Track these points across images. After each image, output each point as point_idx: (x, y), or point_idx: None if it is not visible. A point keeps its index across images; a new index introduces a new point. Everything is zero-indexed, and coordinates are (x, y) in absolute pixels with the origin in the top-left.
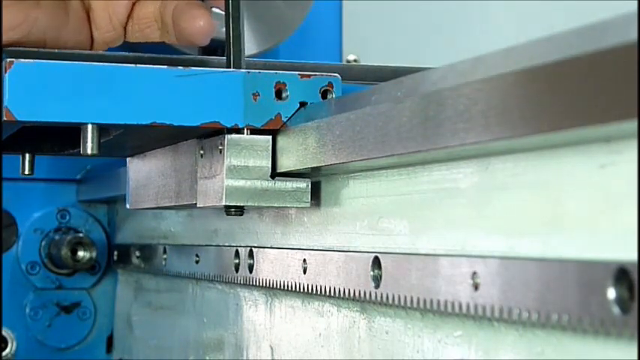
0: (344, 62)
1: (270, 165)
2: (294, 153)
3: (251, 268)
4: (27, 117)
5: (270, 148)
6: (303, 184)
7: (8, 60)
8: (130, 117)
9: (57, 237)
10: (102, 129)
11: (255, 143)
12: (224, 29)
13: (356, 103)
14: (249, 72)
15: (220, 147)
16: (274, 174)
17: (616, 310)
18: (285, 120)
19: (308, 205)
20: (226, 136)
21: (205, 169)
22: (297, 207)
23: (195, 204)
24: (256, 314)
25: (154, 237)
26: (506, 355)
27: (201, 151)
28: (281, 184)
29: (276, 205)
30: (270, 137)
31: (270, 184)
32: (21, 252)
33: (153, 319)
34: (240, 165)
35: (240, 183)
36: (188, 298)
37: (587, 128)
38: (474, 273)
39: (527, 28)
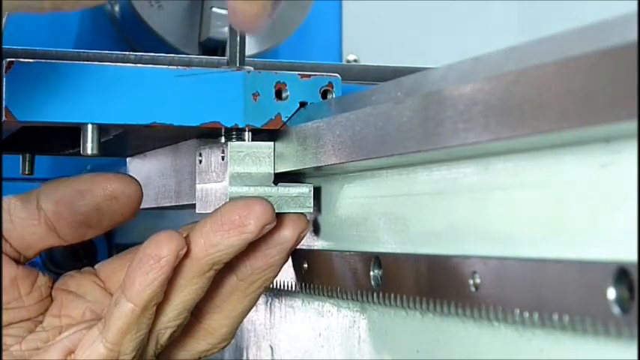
0: (344, 62)
1: (272, 171)
2: (294, 153)
3: None
4: (27, 117)
5: (273, 154)
6: (306, 190)
7: (8, 60)
8: (130, 117)
9: None
10: (102, 129)
11: (258, 150)
12: (225, 29)
13: (356, 103)
14: (249, 72)
15: (222, 154)
16: (277, 180)
17: (616, 310)
18: (285, 120)
19: (310, 210)
20: (229, 143)
21: (204, 174)
22: (299, 212)
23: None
24: (256, 314)
25: None
26: (506, 355)
27: (200, 158)
28: (283, 189)
29: (279, 211)
30: (272, 144)
31: (272, 190)
32: None
33: None
34: (243, 172)
35: (244, 190)
36: None
37: (587, 128)
38: (474, 273)
39: (528, 28)
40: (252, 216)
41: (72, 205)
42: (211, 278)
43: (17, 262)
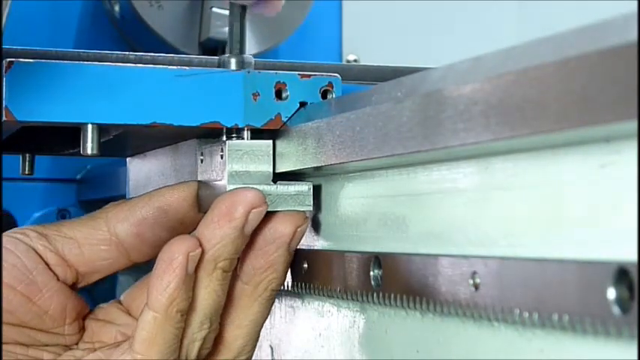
0: (344, 62)
1: (271, 170)
2: (294, 153)
3: None
4: (27, 117)
5: (272, 152)
6: (305, 188)
7: (8, 60)
8: (130, 117)
9: None
10: (102, 129)
11: (257, 148)
12: (225, 29)
13: (356, 103)
14: (249, 72)
15: (221, 153)
16: (276, 178)
17: (616, 310)
18: (285, 120)
19: (310, 208)
20: (227, 141)
21: (206, 174)
22: (299, 210)
23: None
24: None
25: None
26: (506, 355)
27: (201, 157)
28: (283, 188)
29: (278, 209)
30: (270, 142)
31: (272, 188)
32: None
33: None
34: (241, 170)
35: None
36: None
37: (587, 128)
38: (474, 273)
39: (527, 28)
40: (239, 202)
41: (157, 225)
42: (222, 280)
43: (74, 285)
